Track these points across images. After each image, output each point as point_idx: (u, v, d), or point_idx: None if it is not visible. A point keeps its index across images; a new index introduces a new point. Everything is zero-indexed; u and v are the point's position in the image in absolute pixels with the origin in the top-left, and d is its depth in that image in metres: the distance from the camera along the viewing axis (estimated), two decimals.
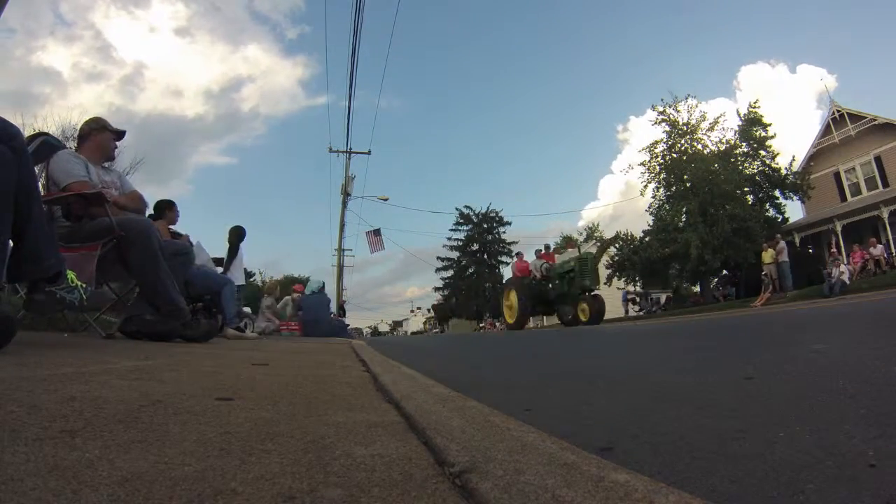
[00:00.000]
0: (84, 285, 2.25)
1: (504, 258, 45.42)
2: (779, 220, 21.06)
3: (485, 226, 45.17)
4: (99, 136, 3.41)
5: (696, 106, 21.84)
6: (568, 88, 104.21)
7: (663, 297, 25.80)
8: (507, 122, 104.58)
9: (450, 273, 45.44)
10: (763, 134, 20.75)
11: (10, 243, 1.82)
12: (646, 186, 22.54)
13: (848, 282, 12.70)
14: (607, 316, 12.44)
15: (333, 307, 14.93)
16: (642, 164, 22.62)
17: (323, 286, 11.28)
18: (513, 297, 13.39)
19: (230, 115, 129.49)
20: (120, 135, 3.51)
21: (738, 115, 21.23)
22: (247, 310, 8.58)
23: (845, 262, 15.76)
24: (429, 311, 56.76)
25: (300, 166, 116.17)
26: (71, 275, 2.19)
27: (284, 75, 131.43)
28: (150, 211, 4.86)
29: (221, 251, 6.90)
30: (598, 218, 54.78)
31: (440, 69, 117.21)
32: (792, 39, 70.93)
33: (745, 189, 20.77)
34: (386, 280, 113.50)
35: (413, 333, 51.33)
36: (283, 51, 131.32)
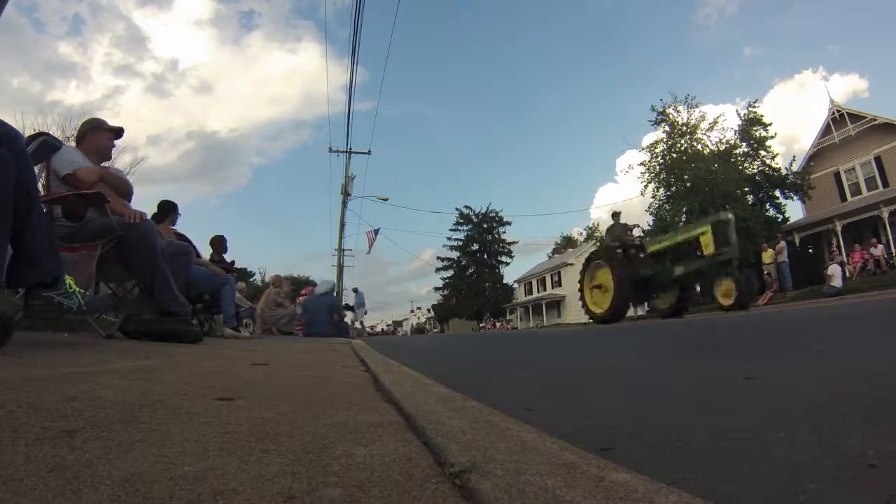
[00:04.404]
0: (83, 291, 2.24)
1: (504, 258, 45.54)
2: (779, 219, 21.07)
3: (485, 226, 45.17)
4: (94, 137, 3.33)
5: (696, 106, 21.90)
6: (575, 88, 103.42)
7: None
8: (511, 123, 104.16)
9: (450, 273, 45.47)
10: (763, 134, 20.77)
11: (10, 248, 1.81)
12: (646, 186, 22.59)
13: (839, 285, 12.47)
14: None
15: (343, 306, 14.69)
16: (642, 164, 22.67)
17: (333, 288, 11.11)
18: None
19: (261, 117, 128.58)
20: (118, 133, 3.42)
21: (738, 114, 21.27)
22: (248, 303, 8.51)
23: (844, 261, 15.72)
24: (429, 311, 56.79)
25: (315, 169, 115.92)
26: (69, 280, 2.18)
27: (324, 79, 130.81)
28: (153, 211, 4.86)
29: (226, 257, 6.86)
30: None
31: (442, 70, 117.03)
32: (823, 46, 68.69)
33: (745, 189, 20.78)
34: (388, 281, 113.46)
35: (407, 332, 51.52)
36: (323, 52, 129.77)
